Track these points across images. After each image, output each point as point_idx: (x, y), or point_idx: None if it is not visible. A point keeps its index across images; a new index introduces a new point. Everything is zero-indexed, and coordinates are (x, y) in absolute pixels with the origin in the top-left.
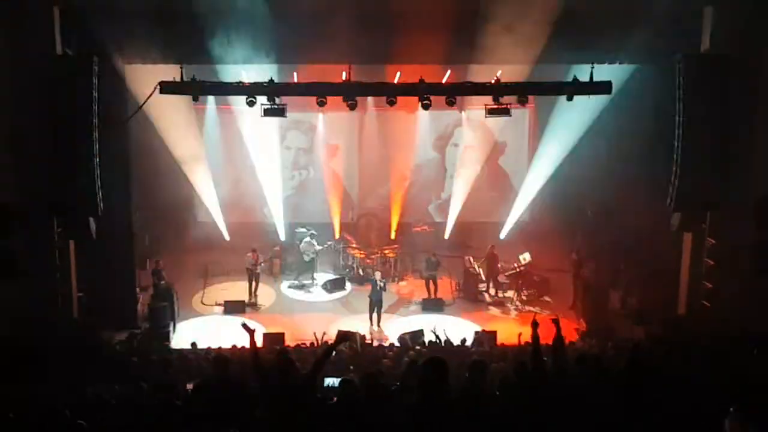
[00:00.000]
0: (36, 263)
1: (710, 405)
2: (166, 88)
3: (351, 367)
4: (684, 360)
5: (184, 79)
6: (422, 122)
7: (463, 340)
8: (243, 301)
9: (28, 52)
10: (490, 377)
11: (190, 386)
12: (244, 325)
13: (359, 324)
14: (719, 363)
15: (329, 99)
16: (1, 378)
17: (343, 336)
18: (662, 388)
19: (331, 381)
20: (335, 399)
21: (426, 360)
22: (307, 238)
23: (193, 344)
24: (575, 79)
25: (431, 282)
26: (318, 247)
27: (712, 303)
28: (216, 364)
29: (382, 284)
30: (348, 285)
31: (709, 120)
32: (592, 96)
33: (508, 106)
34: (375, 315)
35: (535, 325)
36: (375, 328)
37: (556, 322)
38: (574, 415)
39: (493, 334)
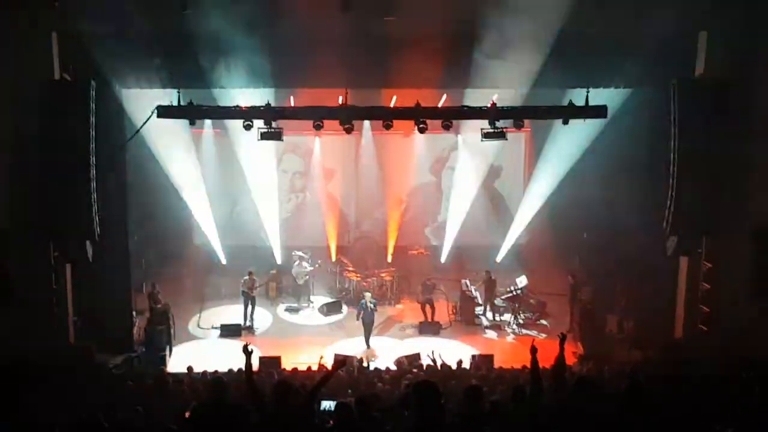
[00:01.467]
0: (32, 287)
1: (707, 429)
2: (163, 112)
3: (349, 391)
4: (681, 384)
5: (182, 103)
6: (418, 146)
7: (460, 363)
8: (239, 325)
9: (26, 76)
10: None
11: (188, 414)
12: (245, 348)
13: (355, 347)
14: (716, 387)
15: (326, 122)
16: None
17: (341, 361)
18: (661, 412)
19: (327, 404)
20: (331, 423)
21: (415, 384)
22: (297, 261)
23: (190, 368)
24: (571, 103)
25: (428, 305)
26: (309, 268)
27: (709, 327)
28: (213, 388)
29: (372, 305)
30: (344, 308)
31: (705, 144)
32: (587, 120)
33: (504, 130)
34: (365, 335)
35: (534, 350)
36: (366, 348)
37: (562, 339)
38: None
39: (490, 357)
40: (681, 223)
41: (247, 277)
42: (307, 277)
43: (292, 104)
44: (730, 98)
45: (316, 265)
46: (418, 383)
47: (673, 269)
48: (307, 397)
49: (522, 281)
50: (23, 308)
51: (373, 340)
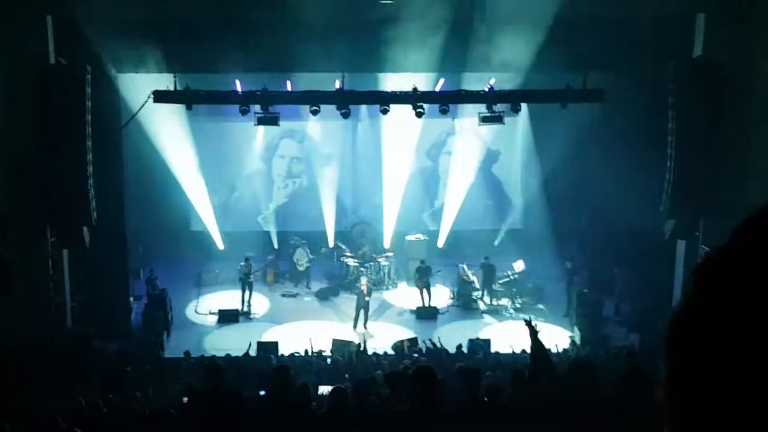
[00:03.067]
0: (30, 273)
1: None
2: (160, 97)
3: (346, 375)
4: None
5: (178, 87)
6: (415, 130)
7: (458, 347)
8: (237, 310)
9: (21, 61)
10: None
11: (185, 399)
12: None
13: (353, 332)
14: None
15: (322, 107)
16: None
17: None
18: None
19: (325, 389)
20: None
21: (414, 370)
22: (300, 248)
23: (187, 353)
24: (568, 87)
25: (425, 290)
26: (311, 256)
27: None
28: (209, 373)
29: (366, 290)
30: (341, 293)
31: (702, 126)
32: (585, 103)
33: (501, 114)
34: (362, 319)
35: (531, 329)
36: (362, 330)
37: (528, 323)
38: (571, 421)
39: (488, 341)
40: (678, 207)
41: (244, 263)
42: (308, 264)
43: (289, 89)
44: (727, 80)
45: (321, 252)
46: (417, 369)
47: (670, 253)
48: (305, 383)
49: (519, 266)
50: (21, 294)
51: (371, 324)
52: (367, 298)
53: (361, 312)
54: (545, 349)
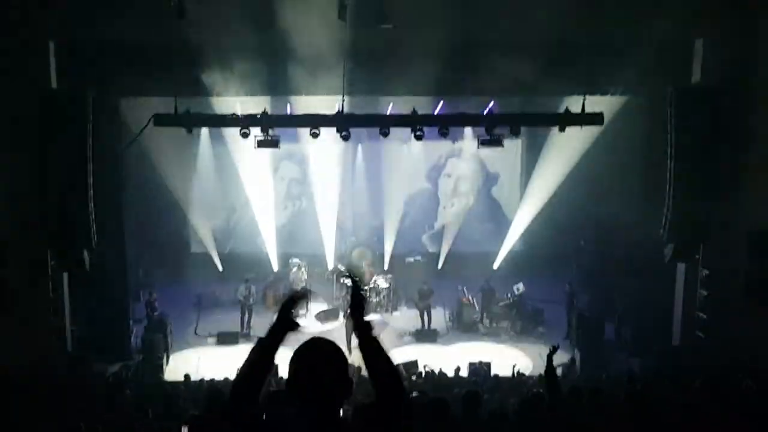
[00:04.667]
0: (30, 295)
1: None
2: (160, 120)
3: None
4: (680, 391)
5: (178, 111)
6: (415, 153)
7: (457, 370)
8: (236, 333)
9: (23, 85)
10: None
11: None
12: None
13: (353, 354)
14: (714, 394)
15: (323, 130)
16: None
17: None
18: (659, 419)
19: None
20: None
21: (429, 400)
22: (295, 269)
23: (187, 376)
24: (567, 110)
25: (425, 312)
26: (306, 277)
27: (707, 333)
28: (209, 397)
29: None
30: (341, 315)
31: (701, 151)
32: (584, 127)
33: (501, 137)
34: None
35: (551, 351)
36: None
37: (551, 351)
38: None
39: (488, 364)
40: (678, 230)
41: (243, 285)
42: (304, 284)
43: (289, 112)
44: (725, 106)
45: (326, 277)
46: (431, 400)
47: (670, 276)
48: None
49: (519, 288)
50: (20, 317)
51: None
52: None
53: (353, 336)
54: (556, 376)
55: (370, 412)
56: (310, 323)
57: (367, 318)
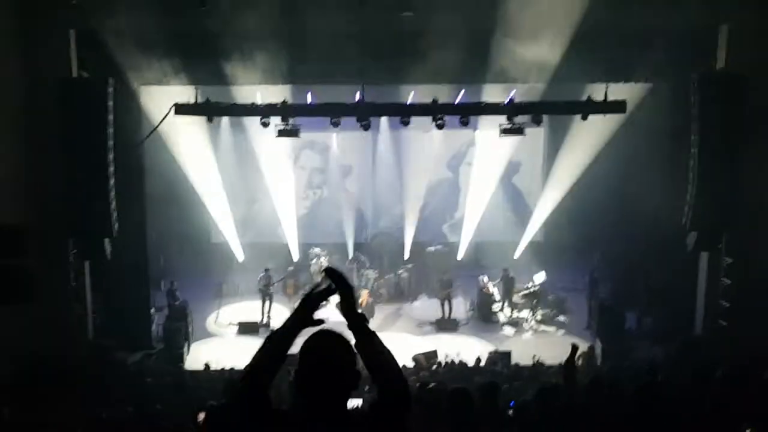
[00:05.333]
0: (52, 285)
1: (727, 427)
2: (181, 109)
3: (366, 388)
4: (701, 380)
5: (199, 100)
6: (436, 142)
7: (478, 360)
8: (257, 322)
9: (43, 74)
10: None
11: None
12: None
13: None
14: (736, 383)
15: (343, 119)
16: (18, 402)
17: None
18: (678, 408)
19: (350, 402)
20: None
21: (451, 391)
22: (315, 258)
23: (207, 365)
24: (590, 98)
25: (446, 301)
26: (326, 266)
27: (730, 322)
28: (227, 387)
29: (365, 304)
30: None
31: (725, 139)
32: (606, 115)
33: (522, 126)
34: None
35: (574, 349)
36: None
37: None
38: None
39: (508, 353)
40: (701, 219)
41: (263, 274)
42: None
43: (309, 101)
44: (750, 92)
45: (346, 265)
46: (453, 390)
47: (693, 264)
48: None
49: (540, 277)
50: (42, 306)
51: (386, 336)
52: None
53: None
54: (575, 367)
55: (374, 407)
56: (331, 313)
57: (358, 311)
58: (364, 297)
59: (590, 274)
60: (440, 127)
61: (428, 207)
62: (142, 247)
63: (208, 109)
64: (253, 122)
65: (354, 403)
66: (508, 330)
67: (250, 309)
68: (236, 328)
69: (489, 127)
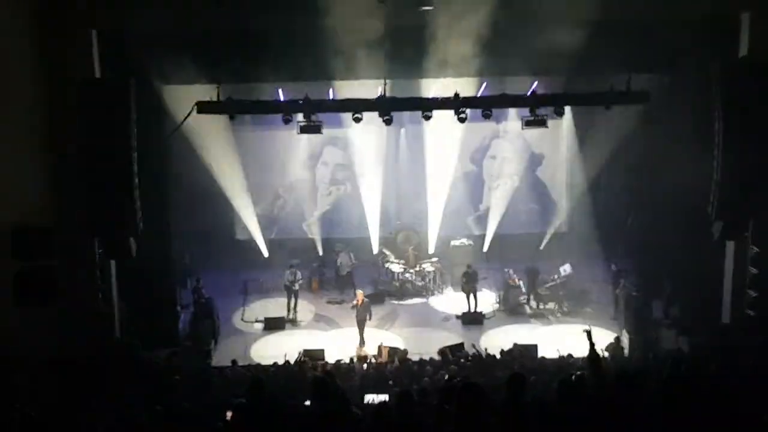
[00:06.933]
0: (78, 283)
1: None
2: (204, 107)
3: (390, 383)
4: (729, 369)
5: (221, 98)
6: (459, 135)
7: (503, 353)
8: (283, 318)
9: (66, 74)
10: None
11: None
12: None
13: (397, 338)
14: (764, 374)
15: (365, 114)
16: (46, 401)
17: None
18: (705, 398)
19: (371, 398)
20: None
21: (461, 386)
22: (343, 253)
23: (234, 362)
24: (612, 89)
25: (471, 295)
26: (354, 261)
27: (757, 311)
28: (251, 387)
29: (360, 303)
30: (387, 300)
31: (749, 126)
32: (630, 106)
33: (545, 118)
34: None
35: (588, 334)
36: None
37: (588, 334)
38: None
39: (534, 346)
40: (727, 208)
41: (289, 270)
42: (350, 269)
43: (331, 97)
44: None
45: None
46: (463, 386)
47: (719, 254)
48: (345, 395)
49: (566, 269)
50: (69, 305)
51: (412, 330)
52: (362, 318)
53: (363, 328)
54: (599, 358)
55: None
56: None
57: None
58: (359, 298)
59: (614, 264)
60: (462, 120)
61: (452, 200)
62: (167, 245)
63: (230, 107)
64: (275, 119)
65: (371, 397)
66: (535, 322)
67: (275, 305)
68: (262, 324)
69: (512, 119)
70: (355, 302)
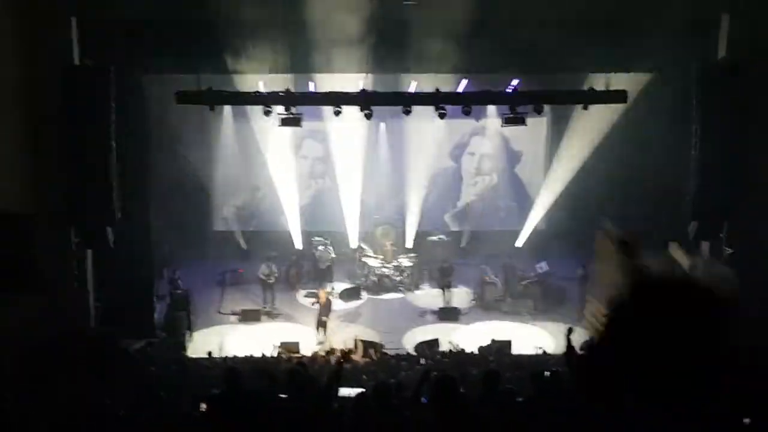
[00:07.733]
0: (54, 273)
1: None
2: (183, 97)
3: (364, 377)
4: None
5: (201, 88)
6: (438, 131)
7: (479, 349)
8: (259, 310)
9: (45, 62)
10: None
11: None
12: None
13: (374, 333)
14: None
15: (345, 108)
16: (20, 390)
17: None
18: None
19: (346, 391)
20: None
21: (436, 379)
22: (322, 246)
23: (210, 353)
24: (591, 88)
25: (447, 290)
26: (333, 255)
27: None
28: (227, 377)
29: (324, 303)
30: (364, 294)
31: (726, 128)
32: (608, 105)
33: (524, 116)
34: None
35: (568, 333)
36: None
37: (569, 331)
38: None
39: (508, 343)
40: (702, 208)
41: (264, 264)
42: (329, 263)
43: (312, 90)
44: (751, 82)
45: (342, 250)
46: (438, 378)
47: (694, 254)
48: (323, 387)
49: (543, 267)
50: (45, 294)
51: (388, 325)
52: (324, 318)
53: (320, 329)
54: (575, 354)
55: None
56: (333, 301)
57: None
58: (322, 295)
59: (582, 267)
60: (442, 116)
61: (431, 196)
62: (145, 235)
63: (210, 98)
64: (255, 111)
65: (346, 391)
66: (510, 319)
67: (252, 297)
68: (238, 316)
69: (491, 117)
70: (315, 300)
